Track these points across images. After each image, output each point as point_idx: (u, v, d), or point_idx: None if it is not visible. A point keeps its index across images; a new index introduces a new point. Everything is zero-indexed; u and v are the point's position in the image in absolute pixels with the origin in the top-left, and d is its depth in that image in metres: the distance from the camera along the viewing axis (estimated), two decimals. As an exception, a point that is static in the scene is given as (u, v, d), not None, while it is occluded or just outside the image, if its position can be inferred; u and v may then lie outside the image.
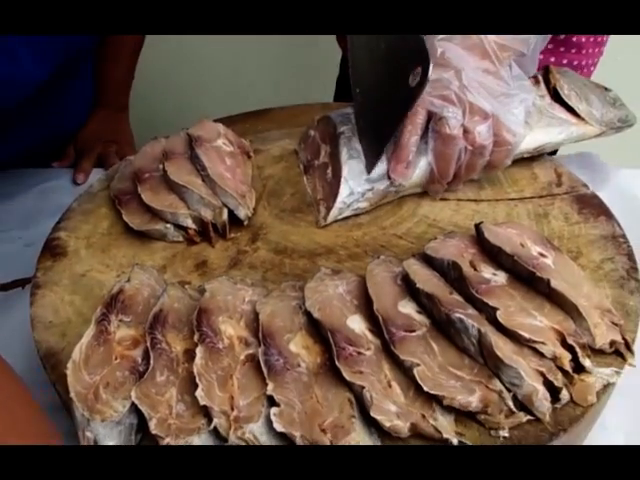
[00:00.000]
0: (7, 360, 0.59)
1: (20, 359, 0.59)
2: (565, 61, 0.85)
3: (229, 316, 0.44)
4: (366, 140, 0.59)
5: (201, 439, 0.38)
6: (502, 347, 0.40)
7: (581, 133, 0.65)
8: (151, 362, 0.41)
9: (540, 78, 0.67)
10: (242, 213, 0.58)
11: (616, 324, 0.44)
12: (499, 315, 0.42)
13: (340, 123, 0.61)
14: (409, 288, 0.47)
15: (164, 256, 0.57)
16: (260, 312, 0.44)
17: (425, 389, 0.39)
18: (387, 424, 0.38)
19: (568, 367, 0.41)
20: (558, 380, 0.40)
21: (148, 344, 0.42)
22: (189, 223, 0.57)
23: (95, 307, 0.50)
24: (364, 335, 0.43)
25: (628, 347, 0.44)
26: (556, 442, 0.40)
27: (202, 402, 0.38)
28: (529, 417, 0.40)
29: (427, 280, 0.46)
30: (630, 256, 0.53)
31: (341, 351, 0.41)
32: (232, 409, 0.38)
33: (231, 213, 0.58)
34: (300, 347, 0.43)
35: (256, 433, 0.38)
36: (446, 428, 0.39)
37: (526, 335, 0.41)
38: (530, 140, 0.62)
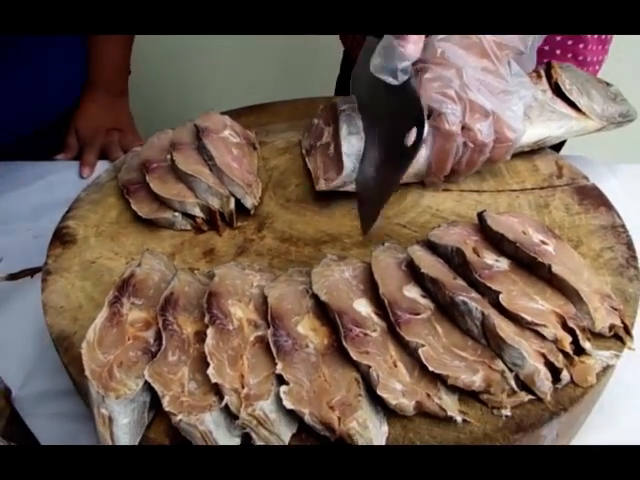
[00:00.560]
0: (18, 345, 0.60)
1: (30, 345, 0.60)
2: (570, 55, 0.85)
3: (238, 299, 0.45)
4: (362, 202, 0.59)
5: (212, 416, 0.39)
6: (505, 329, 0.41)
7: (582, 127, 0.66)
8: (163, 343, 0.42)
9: (542, 73, 0.68)
10: (249, 202, 0.59)
11: (615, 309, 0.45)
12: (502, 299, 0.43)
13: (342, 103, 0.63)
14: (413, 273, 0.48)
15: (172, 244, 0.58)
16: (268, 295, 0.45)
17: (430, 369, 0.40)
18: (393, 402, 0.39)
19: (569, 349, 0.42)
20: (559, 361, 0.41)
21: (160, 325, 0.43)
22: (197, 212, 0.58)
23: (105, 293, 0.51)
24: (370, 317, 0.44)
25: (627, 331, 0.45)
26: (556, 421, 0.41)
27: (213, 380, 0.39)
28: (530, 397, 0.41)
29: (431, 265, 0.47)
30: (629, 245, 0.54)
31: (348, 332, 0.42)
32: (242, 387, 0.39)
33: (238, 202, 0.59)
34: (308, 329, 0.44)
35: (266, 410, 0.39)
36: (450, 406, 0.40)
37: (528, 318, 0.42)
38: (531, 134, 0.64)
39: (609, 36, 0.87)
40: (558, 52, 0.83)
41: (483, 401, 0.41)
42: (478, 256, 0.48)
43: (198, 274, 0.50)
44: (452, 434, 0.40)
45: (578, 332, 0.43)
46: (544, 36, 0.65)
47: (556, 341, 0.42)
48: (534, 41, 0.61)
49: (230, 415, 0.39)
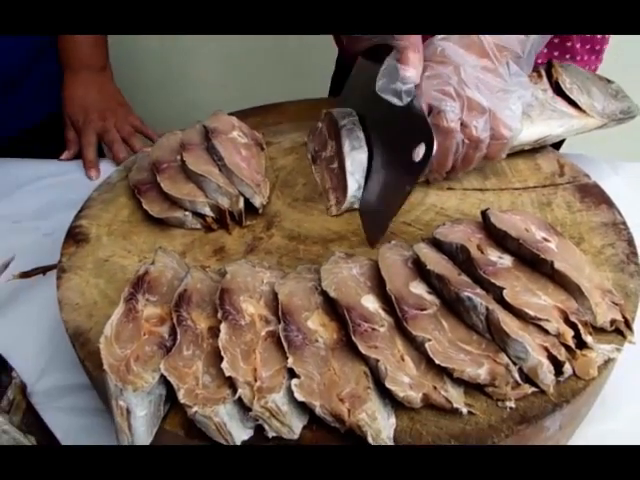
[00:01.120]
0: (32, 341, 0.62)
1: (45, 341, 0.62)
2: None
3: (249, 296, 0.47)
4: (369, 215, 0.60)
5: (226, 408, 0.40)
6: (509, 323, 0.42)
7: (582, 125, 0.67)
8: (178, 337, 0.43)
9: (543, 72, 0.69)
10: (257, 201, 0.61)
11: (616, 304, 0.47)
12: (506, 294, 0.45)
13: (341, 118, 0.64)
14: (419, 270, 0.49)
15: (183, 242, 0.59)
16: (279, 292, 0.46)
17: (436, 362, 0.42)
18: (401, 394, 0.41)
19: (571, 343, 0.43)
20: (561, 355, 0.43)
21: (174, 321, 0.44)
22: (207, 211, 0.59)
23: (119, 290, 0.53)
24: (377, 313, 0.46)
25: (628, 325, 0.46)
26: (559, 413, 0.43)
27: (227, 373, 0.40)
28: (534, 389, 0.42)
29: (437, 262, 0.48)
30: (630, 242, 0.55)
31: (357, 327, 0.43)
32: (255, 380, 0.41)
33: (246, 201, 0.61)
34: (317, 324, 0.45)
35: (278, 403, 0.40)
36: (456, 399, 0.41)
37: (531, 313, 0.44)
38: (532, 132, 0.65)
39: (604, 46, 0.87)
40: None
41: (488, 393, 0.43)
42: (482, 253, 0.50)
43: (210, 271, 0.51)
44: (458, 425, 0.42)
45: (580, 326, 0.44)
46: (543, 42, 0.66)
47: (559, 335, 0.44)
48: (532, 46, 0.62)
49: (243, 407, 0.40)
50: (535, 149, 0.67)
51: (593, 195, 0.61)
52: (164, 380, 0.42)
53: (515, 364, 0.42)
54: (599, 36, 0.85)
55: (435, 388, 0.41)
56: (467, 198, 0.62)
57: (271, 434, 0.41)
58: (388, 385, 0.41)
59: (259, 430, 0.41)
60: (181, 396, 0.40)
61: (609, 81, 0.70)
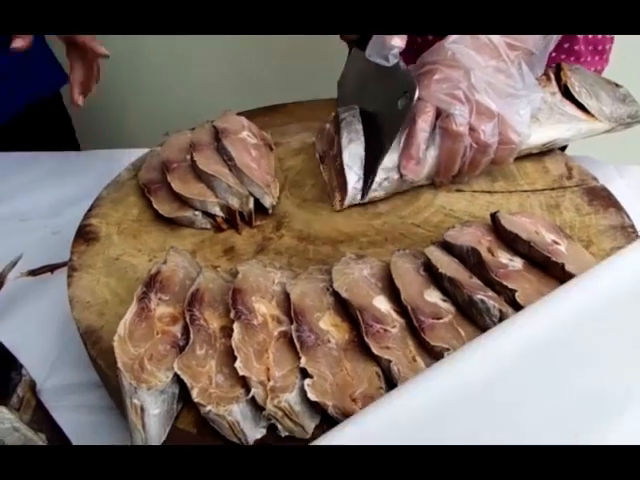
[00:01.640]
0: (41, 339, 0.62)
1: (54, 338, 0.62)
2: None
3: (261, 296, 0.47)
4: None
5: (240, 407, 0.40)
6: (521, 325, 0.43)
7: (590, 129, 0.68)
8: (191, 337, 0.43)
9: (552, 75, 0.70)
10: (267, 202, 0.61)
11: (626, 307, 0.47)
12: (518, 296, 0.45)
13: (342, 111, 0.66)
14: (432, 277, 0.49)
15: (193, 242, 0.59)
16: (291, 292, 0.47)
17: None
18: (413, 395, 0.41)
19: (582, 345, 0.44)
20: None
21: (187, 320, 0.44)
22: (217, 211, 0.60)
23: (129, 288, 0.53)
24: (389, 314, 0.46)
25: (637, 328, 0.46)
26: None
27: (241, 373, 0.41)
28: None
29: (448, 265, 0.49)
30: (638, 245, 0.56)
31: (369, 328, 0.44)
32: (268, 380, 0.41)
33: (256, 202, 0.61)
34: (329, 325, 0.45)
35: (291, 402, 0.40)
36: (468, 400, 0.42)
37: (542, 315, 0.44)
38: (540, 136, 0.65)
39: (606, 46, 0.88)
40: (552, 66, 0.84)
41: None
42: (493, 256, 0.50)
43: (221, 271, 0.51)
44: (469, 426, 0.42)
45: (590, 329, 0.44)
46: (557, 39, 0.67)
47: (569, 338, 0.44)
48: (546, 44, 0.62)
49: (256, 407, 0.41)
50: (543, 152, 0.67)
51: (601, 198, 0.62)
52: (177, 379, 0.42)
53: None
54: (600, 35, 0.85)
55: (447, 389, 0.42)
56: (476, 200, 0.63)
57: (284, 433, 0.41)
58: (400, 386, 0.41)
59: (272, 429, 0.41)
60: (195, 395, 0.40)
61: (617, 85, 0.70)
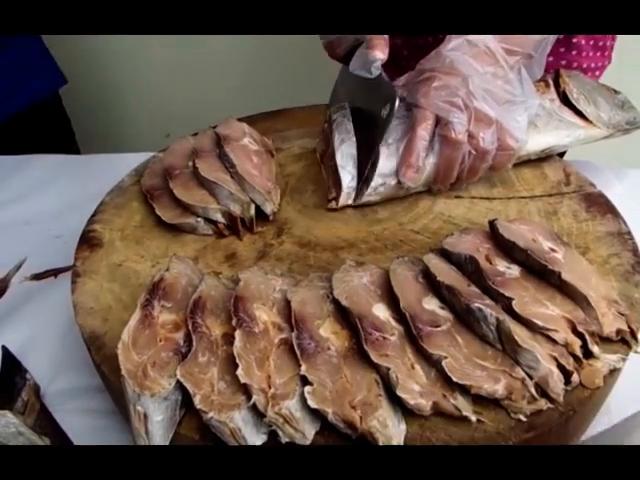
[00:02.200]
0: (45, 343, 0.62)
1: (57, 342, 0.63)
2: (564, 62, 0.87)
3: (262, 303, 0.48)
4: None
5: (241, 414, 0.41)
6: (519, 333, 0.43)
7: (589, 135, 0.68)
8: (193, 344, 0.44)
9: (550, 82, 0.70)
10: (268, 208, 0.62)
11: (622, 314, 0.47)
12: (514, 305, 0.46)
13: (333, 112, 0.67)
14: (430, 284, 0.50)
15: (195, 248, 0.60)
16: (291, 300, 0.47)
17: (454, 380, 0.42)
18: (411, 402, 0.42)
19: (579, 352, 0.44)
20: (570, 364, 0.44)
21: (190, 328, 0.45)
22: (219, 217, 0.60)
23: (133, 294, 0.54)
24: (388, 322, 0.47)
25: (633, 335, 0.47)
26: (564, 422, 0.44)
27: (242, 380, 0.41)
28: (550, 405, 0.43)
29: (446, 273, 0.49)
30: (635, 252, 0.56)
31: (368, 336, 0.44)
32: (269, 387, 0.42)
33: (257, 208, 0.62)
34: (329, 332, 0.46)
35: (291, 409, 0.41)
36: (465, 407, 0.42)
37: (540, 323, 0.45)
38: (538, 142, 0.66)
39: (607, 42, 0.88)
40: (551, 59, 0.83)
41: (497, 402, 0.43)
42: (490, 263, 0.50)
43: (222, 278, 0.52)
44: (467, 433, 0.43)
45: (587, 336, 0.45)
46: (553, 40, 0.67)
47: (567, 345, 0.44)
48: (544, 46, 0.63)
49: (258, 413, 0.41)
50: (541, 158, 0.68)
51: (599, 204, 0.62)
52: (180, 386, 0.43)
53: (531, 378, 0.43)
54: None
55: (444, 396, 0.42)
56: (474, 206, 0.63)
57: (284, 440, 0.41)
58: (399, 393, 0.42)
59: (273, 435, 0.42)
60: (197, 402, 0.41)
61: (616, 92, 0.71)
